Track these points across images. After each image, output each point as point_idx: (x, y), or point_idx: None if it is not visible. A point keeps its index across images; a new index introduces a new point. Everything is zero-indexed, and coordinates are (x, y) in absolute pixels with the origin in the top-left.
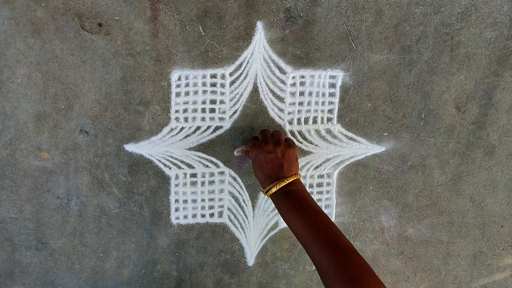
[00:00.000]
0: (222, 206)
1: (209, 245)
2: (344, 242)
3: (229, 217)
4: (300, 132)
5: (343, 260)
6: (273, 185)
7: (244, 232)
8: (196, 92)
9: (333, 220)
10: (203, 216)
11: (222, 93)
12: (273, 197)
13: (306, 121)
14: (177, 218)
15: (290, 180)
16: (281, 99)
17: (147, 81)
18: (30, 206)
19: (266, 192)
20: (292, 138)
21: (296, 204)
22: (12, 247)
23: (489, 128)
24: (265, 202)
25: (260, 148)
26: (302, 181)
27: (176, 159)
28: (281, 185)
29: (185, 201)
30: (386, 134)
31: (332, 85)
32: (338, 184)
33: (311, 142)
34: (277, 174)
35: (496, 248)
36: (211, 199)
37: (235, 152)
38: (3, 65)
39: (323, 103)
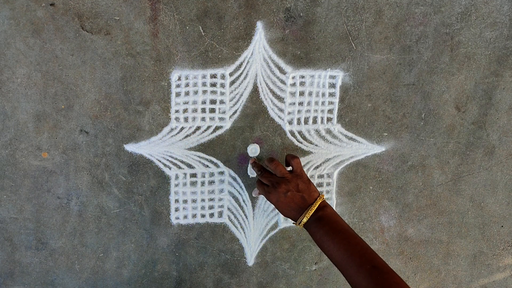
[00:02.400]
0: (222, 206)
1: (209, 245)
2: (380, 262)
3: (229, 217)
4: (300, 132)
5: (381, 279)
6: (303, 216)
7: (244, 232)
8: (196, 92)
9: None
10: (203, 216)
11: (222, 93)
12: (306, 227)
13: (306, 121)
14: (177, 218)
15: (316, 206)
16: (281, 99)
17: (147, 81)
18: (30, 206)
19: (299, 224)
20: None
21: (328, 228)
22: (12, 247)
23: (489, 128)
24: (265, 202)
25: (276, 193)
26: None
27: (176, 159)
28: (310, 213)
29: (185, 201)
30: (386, 134)
31: (332, 85)
32: (338, 184)
33: (311, 142)
34: (303, 206)
35: (496, 248)
36: (211, 199)
37: (253, 194)
38: (3, 65)
39: (323, 103)
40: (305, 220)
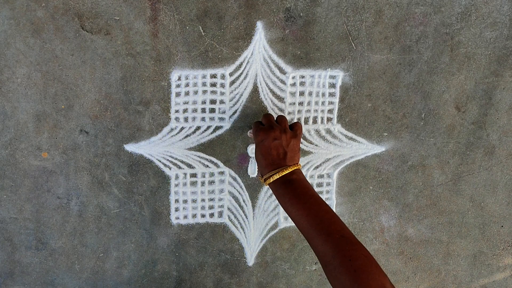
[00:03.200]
0: (222, 206)
1: (209, 245)
2: (348, 232)
3: (229, 217)
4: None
5: (348, 251)
6: (275, 171)
7: (244, 232)
8: (196, 92)
9: None
10: (203, 216)
11: (222, 93)
12: (273, 185)
13: (306, 121)
14: (177, 218)
15: (292, 169)
16: (281, 99)
17: (147, 81)
18: (30, 206)
19: (265, 180)
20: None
21: (298, 193)
22: (12, 247)
23: (489, 128)
24: (265, 202)
25: (265, 133)
26: None
27: (176, 159)
28: (284, 173)
29: (185, 201)
30: (386, 134)
31: (332, 85)
32: (338, 184)
33: (311, 142)
34: (280, 162)
35: (496, 248)
36: (211, 199)
37: (248, 133)
38: (3, 65)
39: (323, 103)
40: (276, 177)
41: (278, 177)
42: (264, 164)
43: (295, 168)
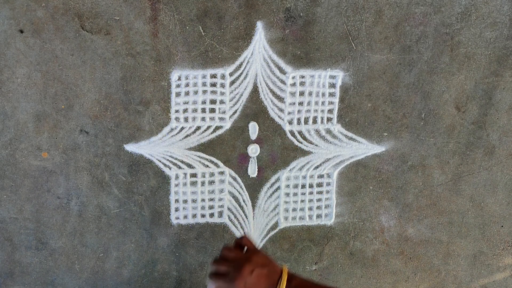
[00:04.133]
0: (222, 206)
1: (209, 245)
2: None
3: (229, 217)
4: (300, 132)
5: None
6: None
7: (244, 232)
8: (196, 92)
9: (333, 220)
10: (203, 216)
11: (222, 93)
12: None
13: (306, 121)
14: (177, 218)
15: (286, 275)
16: (281, 99)
17: (147, 81)
18: (30, 206)
19: None
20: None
21: None
22: (12, 247)
23: (489, 128)
24: (265, 202)
25: (240, 277)
26: (302, 181)
27: (176, 159)
28: (283, 286)
29: (185, 201)
30: (386, 134)
31: (332, 85)
32: (338, 184)
33: (311, 142)
34: (272, 282)
35: (496, 248)
36: (211, 199)
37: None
38: (3, 65)
39: (323, 103)
40: None
41: None
42: None
43: (286, 271)
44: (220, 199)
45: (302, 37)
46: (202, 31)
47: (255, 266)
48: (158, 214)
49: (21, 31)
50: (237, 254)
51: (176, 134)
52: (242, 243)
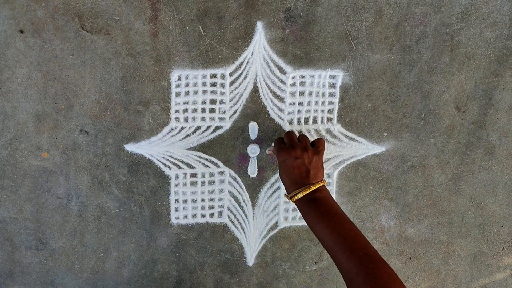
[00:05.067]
0: (222, 206)
1: (209, 245)
2: (372, 250)
3: (229, 217)
4: (300, 132)
5: (372, 268)
6: (299, 191)
7: (244, 232)
8: (196, 92)
9: None
10: (203, 216)
11: (222, 93)
12: (298, 203)
13: (306, 121)
14: (177, 218)
15: (316, 187)
16: (281, 99)
17: (147, 81)
18: (30, 206)
19: (291, 198)
20: (323, 137)
21: (322, 211)
22: (12, 247)
23: (489, 128)
24: (265, 202)
25: (287, 153)
26: None
27: (176, 159)
28: (307, 191)
29: (185, 201)
30: (386, 134)
31: (332, 85)
32: (338, 184)
33: None
34: (303, 180)
35: (496, 248)
36: (211, 199)
37: (267, 151)
38: (3, 65)
39: (323, 103)
40: (299, 195)
41: (302, 195)
42: (289, 184)
43: (319, 185)
44: (220, 199)
45: (302, 37)
46: (202, 31)
47: (304, 158)
48: (158, 214)
49: (21, 31)
50: (306, 142)
51: (176, 134)
52: (315, 142)
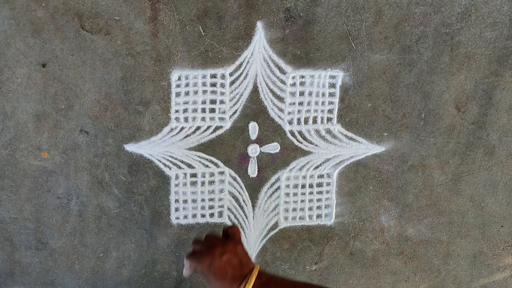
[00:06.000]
0: (222, 206)
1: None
2: None
3: (229, 217)
4: (300, 132)
5: None
6: (243, 283)
7: (244, 232)
8: (196, 92)
9: (333, 220)
10: (203, 216)
11: (222, 93)
12: None
13: (306, 121)
14: (177, 218)
15: (257, 271)
16: (281, 99)
17: (147, 81)
18: (30, 206)
19: None
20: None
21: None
22: (12, 247)
23: (489, 128)
24: (265, 202)
25: (209, 256)
26: (302, 181)
27: (176, 159)
28: (253, 280)
29: (185, 201)
30: (386, 134)
31: (332, 85)
32: (338, 184)
33: (311, 142)
34: (240, 274)
35: (496, 248)
36: (211, 199)
37: (184, 273)
38: (3, 65)
39: (323, 103)
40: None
41: (250, 286)
42: (228, 284)
43: (258, 269)
44: (220, 199)
45: (302, 37)
46: (202, 31)
47: (228, 251)
48: (158, 214)
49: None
50: (218, 238)
51: (176, 134)
52: (229, 231)
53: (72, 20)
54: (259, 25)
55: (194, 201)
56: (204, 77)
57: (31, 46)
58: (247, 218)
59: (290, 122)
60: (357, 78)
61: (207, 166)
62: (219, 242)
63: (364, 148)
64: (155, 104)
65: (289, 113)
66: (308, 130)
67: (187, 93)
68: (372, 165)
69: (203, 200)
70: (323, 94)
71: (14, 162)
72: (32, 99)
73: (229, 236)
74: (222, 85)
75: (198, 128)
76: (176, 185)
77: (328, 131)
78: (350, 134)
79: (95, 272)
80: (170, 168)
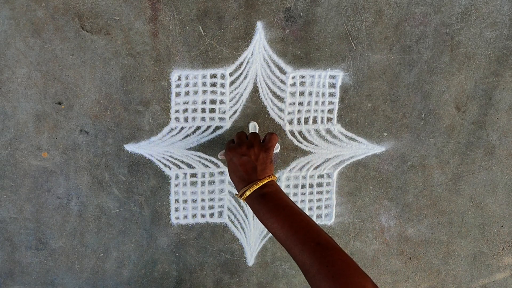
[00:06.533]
0: (222, 206)
1: (209, 245)
2: (325, 239)
3: (229, 217)
4: (300, 132)
5: (325, 257)
6: (246, 188)
7: (244, 232)
8: (196, 92)
9: (333, 220)
10: (203, 216)
11: (222, 93)
12: (249, 200)
13: (306, 121)
14: (177, 218)
15: (264, 182)
16: (281, 99)
17: (147, 81)
18: (30, 206)
19: (240, 196)
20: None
21: (272, 205)
22: (12, 247)
23: (489, 128)
24: None
25: (233, 151)
26: (302, 181)
27: (176, 159)
28: (255, 188)
29: (185, 201)
30: (386, 134)
31: (332, 85)
32: (338, 184)
33: (311, 142)
34: (251, 177)
35: (496, 248)
36: (211, 199)
37: (218, 156)
38: (3, 65)
39: (323, 103)
40: (248, 193)
41: (250, 192)
42: (236, 181)
43: (267, 180)
44: (220, 199)
45: (302, 37)
46: (202, 31)
47: (251, 155)
48: (158, 214)
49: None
50: (256, 139)
51: (176, 134)
52: (266, 137)
53: (72, 20)
54: (259, 25)
55: (194, 201)
56: (204, 77)
57: (31, 46)
58: (247, 218)
59: (290, 122)
60: (357, 78)
61: (207, 166)
62: (248, 144)
63: (364, 148)
64: (155, 104)
65: (289, 113)
66: (308, 130)
67: (187, 93)
68: (372, 165)
69: (203, 200)
70: (323, 94)
71: (14, 162)
72: (32, 99)
73: (264, 141)
74: (222, 85)
75: (198, 128)
76: (176, 185)
77: (328, 131)
78: (350, 134)
79: (95, 272)
80: (170, 168)
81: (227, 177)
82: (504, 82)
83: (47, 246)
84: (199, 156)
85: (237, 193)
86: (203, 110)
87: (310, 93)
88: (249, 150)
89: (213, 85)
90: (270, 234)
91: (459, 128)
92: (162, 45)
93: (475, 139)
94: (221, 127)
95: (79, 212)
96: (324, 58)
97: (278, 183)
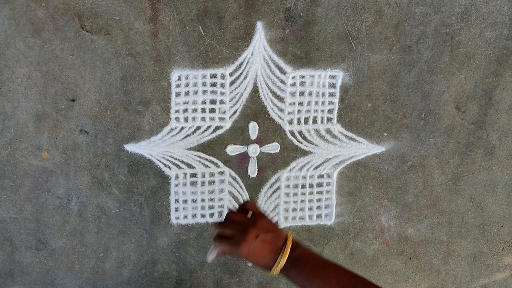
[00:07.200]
0: (222, 206)
1: (209, 245)
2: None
3: None
4: (300, 132)
5: None
6: (279, 259)
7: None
8: (196, 92)
9: (333, 220)
10: (203, 216)
11: (222, 93)
12: (285, 272)
13: (306, 121)
14: (177, 218)
15: (290, 243)
16: (281, 99)
17: (147, 81)
18: (30, 206)
19: (275, 271)
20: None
21: (310, 269)
22: (12, 247)
23: (489, 128)
24: (265, 202)
25: (245, 242)
26: (302, 181)
27: (176, 159)
28: (287, 254)
29: (185, 201)
30: (386, 134)
31: (332, 85)
32: (338, 184)
33: (311, 142)
34: (276, 248)
35: (496, 248)
36: (211, 199)
37: (209, 258)
38: (3, 65)
39: (323, 103)
40: (282, 263)
41: (284, 263)
42: (269, 262)
43: (291, 238)
44: (220, 199)
45: (302, 37)
46: (202, 31)
47: (261, 230)
48: (158, 214)
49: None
50: (243, 218)
51: (176, 134)
52: (246, 207)
53: (72, 20)
54: (259, 25)
55: (194, 201)
56: (204, 77)
57: (31, 46)
58: None
59: (290, 122)
60: (357, 78)
61: (207, 166)
62: (249, 224)
63: (364, 148)
64: (155, 104)
65: (289, 113)
66: (308, 130)
67: (187, 93)
68: (372, 165)
69: (203, 200)
70: (323, 94)
71: (14, 162)
72: (32, 99)
73: (251, 212)
74: (222, 85)
75: (198, 128)
76: (176, 185)
77: (328, 131)
78: (350, 134)
79: (95, 272)
80: (170, 168)
81: (227, 177)
82: (504, 82)
83: (47, 246)
84: (199, 156)
85: (272, 273)
86: (203, 110)
87: (310, 93)
88: (256, 228)
89: (213, 85)
90: None
91: (459, 128)
92: (162, 45)
93: (475, 139)
94: (221, 127)
95: (79, 212)
96: (324, 58)
97: (278, 183)
